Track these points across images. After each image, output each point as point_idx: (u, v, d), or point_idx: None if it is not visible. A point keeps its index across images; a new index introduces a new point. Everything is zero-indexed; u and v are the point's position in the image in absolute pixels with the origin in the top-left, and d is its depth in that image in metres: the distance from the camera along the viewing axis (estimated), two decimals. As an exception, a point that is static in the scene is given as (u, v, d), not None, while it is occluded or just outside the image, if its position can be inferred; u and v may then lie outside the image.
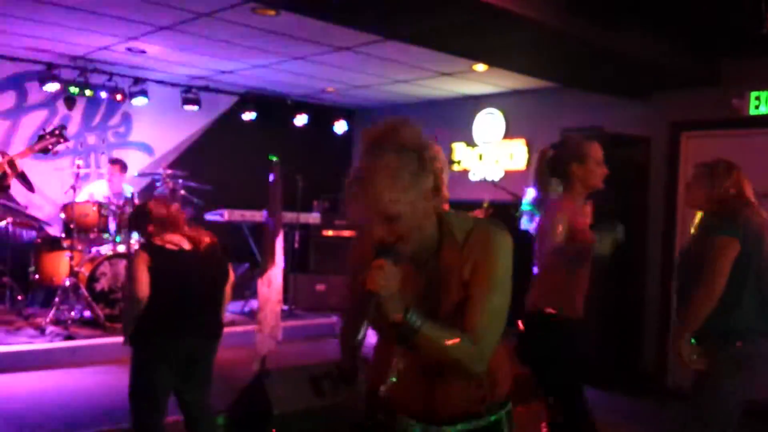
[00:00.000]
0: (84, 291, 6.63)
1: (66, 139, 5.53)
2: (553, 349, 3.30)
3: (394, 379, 1.89)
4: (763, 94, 6.02)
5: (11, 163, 5.85)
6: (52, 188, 7.99)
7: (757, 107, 6.06)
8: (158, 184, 7.87)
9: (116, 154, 8.46)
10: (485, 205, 6.69)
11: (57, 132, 5.04)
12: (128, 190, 7.81)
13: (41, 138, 4.74)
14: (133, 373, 3.65)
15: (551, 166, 3.42)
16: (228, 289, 3.85)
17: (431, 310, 1.79)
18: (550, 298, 3.30)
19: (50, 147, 4.72)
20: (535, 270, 3.43)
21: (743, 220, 3.27)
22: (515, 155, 8.40)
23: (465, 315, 1.77)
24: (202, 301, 3.67)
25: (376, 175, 1.70)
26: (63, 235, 7.12)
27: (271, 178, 5.34)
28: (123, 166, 7.89)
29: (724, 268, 3.24)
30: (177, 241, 3.65)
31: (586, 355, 6.13)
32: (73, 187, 7.04)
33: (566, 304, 3.31)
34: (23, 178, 6.52)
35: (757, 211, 3.34)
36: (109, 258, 6.88)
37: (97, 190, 7.70)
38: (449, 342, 1.72)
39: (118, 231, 7.11)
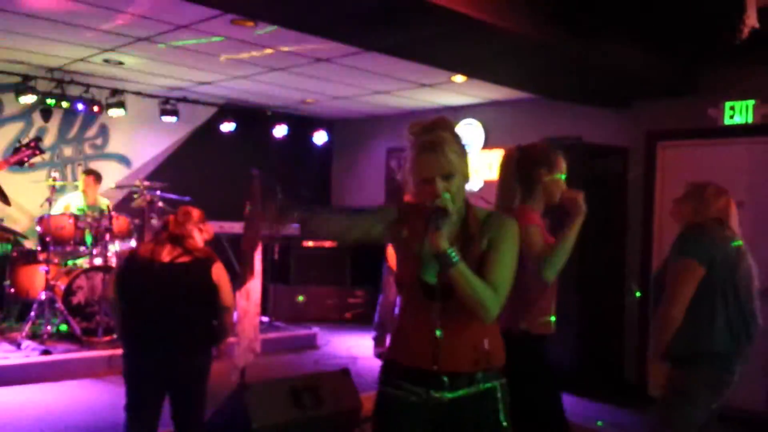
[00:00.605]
0: (60, 305, 6.54)
1: (42, 151, 5.48)
2: (526, 367, 3.25)
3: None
4: (737, 104, 6.10)
5: None
6: (28, 200, 7.90)
7: (731, 117, 6.14)
8: (136, 196, 7.79)
9: (93, 165, 8.37)
10: None
11: (32, 144, 4.98)
12: (104, 202, 7.72)
13: (16, 150, 4.68)
14: (125, 383, 3.66)
15: (517, 169, 3.18)
16: (222, 314, 3.74)
17: None
18: (521, 315, 3.17)
19: (26, 159, 4.66)
20: None
21: (713, 243, 3.25)
22: (494, 165, 8.41)
23: (486, 272, 2.22)
24: (170, 312, 3.57)
25: (444, 142, 2.26)
26: (39, 248, 7.03)
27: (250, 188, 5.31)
28: (97, 177, 7.80)
29: (682, 293, 3.22)
30: (155, 252, 3.62)
31: (559, 370, 6.21)
32: (49, 200, 6.97)
33: (537, 321, 3.22)
34: (-2, 191, 6.44)
35: (733, 237, 3.33)
36: (85, 271, 6.80)
37: (72, 202, 7.61)
38: (478, 281, 2.17)
39: (95, 244, 7.03)
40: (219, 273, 3.73)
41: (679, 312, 3.20)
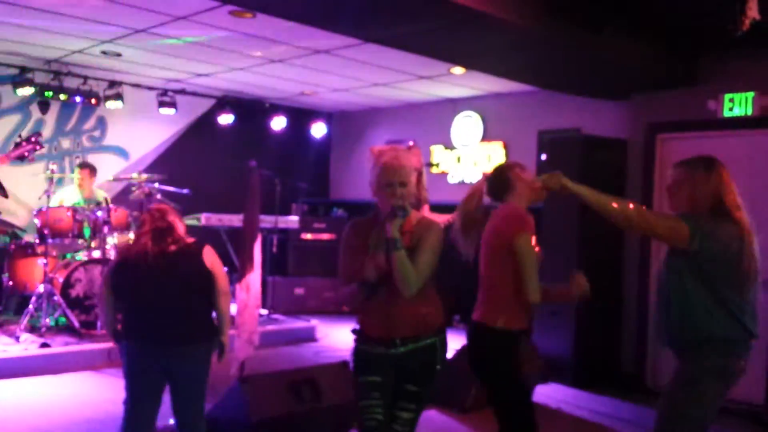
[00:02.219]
0: (59, 297, 6.53)
1: (41, 146, 5.48)
2: (501, 362, 3.33)
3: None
4: (737, 96, 6.09)
5: None
6: (26, 193, 7.89)
7: (731, 109, 6.12)
8: (134, 188, 7.78)
9: (91, 158, 8.36)
10: None
11: (33, 139, 4.97)
12: (101, 194, 7.70)
13: (17, 145, 4.67)
14: (123, 375, 3.65)
15: (490, 187, 3.53)
16: (219, 298, 3.72)
17: None
18: (498, 310, 3.32)
19: (27, 154, 4.65)
20: (481, 279, 3.46)
21: (709, 226, 3.22)
22: (493, 157, 8.43)
23: (413, 260, 2.98)
24: (167, 303, 3.57)
25: (403, 158, 3.09)
26: (37, 241, 7.02)
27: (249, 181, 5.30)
28: (92, 170, 7.76)
29: (663, 221, 3.30)
30: (144, 246, 3.61)
31: (557, 362, 6.22)
32: (47, 193, 6.95)
33: (513, 316, 3.32)
34: (-4, 184, 6.43)
35: (736, 219, 3.28)
36: (84, 264, 6.79)
37: (67, 196, 7.57)
38: (407, 262, 2.94)
39: (93, 236, 7.01)
40: (211, 257, 3.70)
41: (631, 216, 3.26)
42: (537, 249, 3.37)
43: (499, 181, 3.50)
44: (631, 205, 3.27)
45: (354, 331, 3.19)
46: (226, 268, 7.86)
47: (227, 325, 3.82)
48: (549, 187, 3.34)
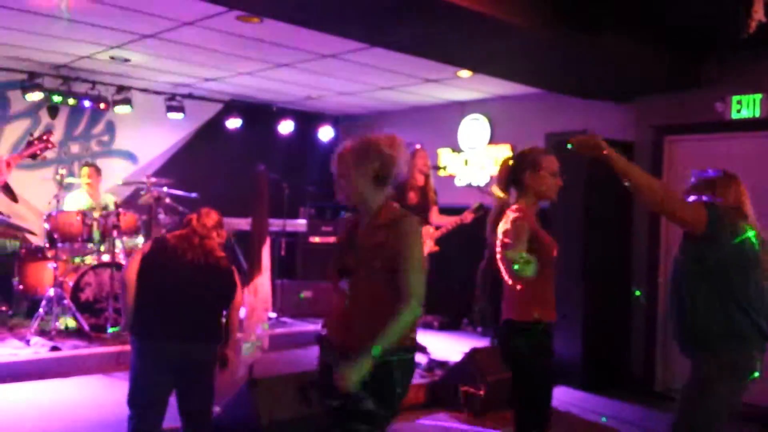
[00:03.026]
0: (69, 301, 6.57)
1: (53, 144, 5.54)
2: (528, 356, 3.33)
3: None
4: (744, 98, 6.08)
5: None
6: (36, 198, 7.93)
7: (738, 111, 6.12)
8: (143, 192, 7.81)
9: (100, 162, 8.39)
10: (476, 205, 6.71)
11: (45, 137, 5.03)
12: (109, 199, 7.74)
13: (30, 144, 4.71)
14: (129, 378, 3.69)
15: (509, 174, 3.50)
16: (233, 307, 3.86)
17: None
18: (523, 305, 3.31)
19: (38, 152, 4.70)
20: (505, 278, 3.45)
21: (729, 218, 3.25)
22: (500, 160, 8.41)
23: (398, 279, 2.68)
24: (191, 304, 3.63)
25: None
26: (47, 245, 7.06)
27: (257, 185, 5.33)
28: (97, 169, 7.80)
29: (685, 204, 3.29)
30: (182, 243, 3.69)
31: (565, 365, 6.19)
32: (57, 197, 6.99)
33: (539, 310, 3.32)
34: (6, 188, 6.46)
35: (752, 224, 3.33)
36: (93, 267, 6.83)
37: (76, 201, 7.58)
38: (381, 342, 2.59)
39: (102, 240, 7.05)
40: (236, 273, 3.89)
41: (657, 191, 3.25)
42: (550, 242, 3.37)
43: (510, 180, 3.50)
44: (659, 184, 3.29)
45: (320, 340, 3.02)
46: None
47: (234, 337, 3.95)
48: (583, 149, 3.29)
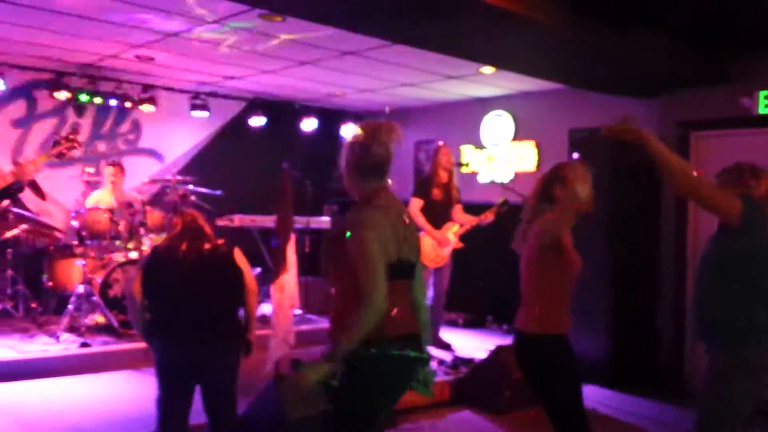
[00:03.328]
0: (97, 298, 6.66)
1: (80, 144, 5.66)
2: (547, 368, 3.33)
3: None
4: (772, 93, 6.02)
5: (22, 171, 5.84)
6: (64, 196, 8.05)
7: (766, 106, 6.05)
8: (168, 190, 7.90)
9: (126, 161, 8.50)
10: (500, 201, 6.71)
11: (71, 137, 5.12)
12: (132, 194, 7.83)
13: (56, 144, 4.79)
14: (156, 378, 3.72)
15: (542, 189, 3.45)
16: (248, 296, 3.81)
17: None
18: (538, 317, 3.32)
19: (65, 152, 4.78)
20: (522, 287, 3.45)
21: (763, 212, 3.23)
22: (524, 157, 8.40)
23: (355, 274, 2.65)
24: (201, 306, 3.63)
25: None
26: (75, 242, 7.17)
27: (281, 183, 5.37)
28: (121, 168, 7.90)
29: (720, 192, 3.25)
30: (176, 247, 3.68)
31: (592, 362, 6.16)
32: (84, 195, 7.08)
33: (553, 322, 3.33)
34: (34, 187, 6.56)
35: None
36: (121, 264, 6.92)
37: (101, 199, 7.67)
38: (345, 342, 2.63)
39: (130, 237, 7.14)
40: (240, 256, 3.80)
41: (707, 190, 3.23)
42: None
43: (545, 193, 3.46)
44: (695, 172, 3.26)
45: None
46: (259, 269, 7.99)
47: (254, 322, 3.91)
48: (617, 133, 3.21)
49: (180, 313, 3.63)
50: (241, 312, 3.85)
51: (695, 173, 3.23)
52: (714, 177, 3.53)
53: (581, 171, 3.36)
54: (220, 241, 3.81)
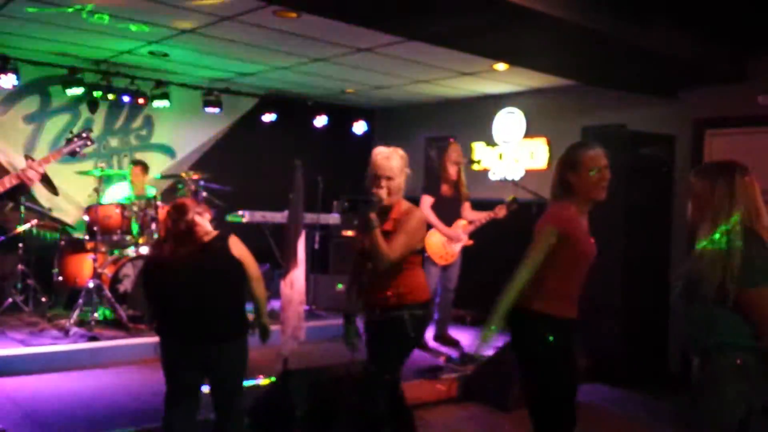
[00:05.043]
0: (107, 292, 6.68)
1: (92, 141, 5.65)
2: (540, 347, 3.26)
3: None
4: (789, 92, 5.96)
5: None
6: (76, 191, 8.08)
7: (783, 104, 5.99)
8: (180, 186, 7.91)
9: (138, 156, 8.54)
10: (509, 199, 6.69)
11: (84, 135, 5.11)
12: (151, 191, 7.87)
13: (69, 141, 4.80)
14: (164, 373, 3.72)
15: (557, 177, 3.38)
16: (253, 284, 3.73)
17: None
18: (536, 295, 3.24)
19: (78, 149, 4.77)
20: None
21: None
22: (536, 154, 8.36)
23: (391, 238, 3.58)
24: (204, 303, 3.57)
25: (392, 158, 3.81)
26: (86, 237, 7.19)
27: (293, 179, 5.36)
28: (144, 168, 7.98)
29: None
30: (168, 251, 3.62)
31: (603, 361, 6.11)
32: (96, 190, 7.10)
33: (555, 304, 3.25)
34: (47, 181, 6.58)
35: None
36: (132, 260, 6.94)
37: (119, 191, 7.77)
38: (379, 239, 3.52)
39: (141, 233, 7.16)
40: (238, 246, 3.66)
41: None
42: (591, 241, 3.32)
43: (558, 185, 3.38)
44: None
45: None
46: (268, 265, 7.98)
47: (265, 307, 3.86)
48: None
49: (181, 315, 3.60)
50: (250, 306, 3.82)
51: None
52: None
53: (592, 154, 3.28)
54: (214, 234, 3.67)
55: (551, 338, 3.25)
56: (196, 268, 3.58)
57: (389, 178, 3.68)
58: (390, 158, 3.72)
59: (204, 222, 3.69)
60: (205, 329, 3.58)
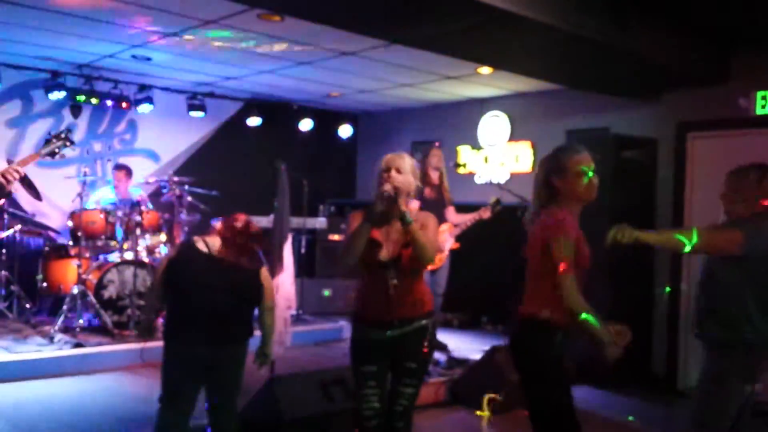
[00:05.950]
0: (92, 298, 6.64)
1: (72, 142, 5.63)
2: (542, 355, 3.25)
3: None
4: (769, 94, 6.01)
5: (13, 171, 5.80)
6: (59, 196, 8.01)
7: (763, 107, 6.04)
8: (164, 190, 7.87)
9: (122, 161, 8.48)
10: (493, 200, 6.71)
11: (63, 135, 5.06)
12: (137, 193, 7.82)
13: (48, 142, 4.74)
14: (161, 372, 3.72)
15: (540, 179, 3.28)
16: (266, 314, 3.84)
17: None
18: (541, 303, 3.21)
19: (57, 150, 4.71)
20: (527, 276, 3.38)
21: (755, 225, 3.23)
22: (521, 157, 8.40)
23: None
24: (217, 309, 3.62)
25: (400, 158, 3.49)
26: (70, 243, 7.13)
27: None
28: (128, 172, 7.91)
29: (719, 235, 3.34)
30: (212, 249, 3.70)
31: (586, 364, 6.12)
32: (80, 195, 7.06)
33: (555, 310, 3.23)
34: (30, 186, 6.52)
35: None
36: (116, 265, 6.89)
37: (103, 196, 7.72)
38: (422, 234, 3.30)
39: (125, 238, 7.11)
40: (265, 275, 3.87)
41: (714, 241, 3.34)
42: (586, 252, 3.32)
43: (543, 189, 3.28)
44: (693, 232, 3.26)
45: (353, 316, 3.50)
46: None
47: (271, 337, 3.96)
48: (620, 241, 3.23)
49: (196, 314, 3.62)
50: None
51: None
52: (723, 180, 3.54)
53: (577, 157, 3.20)
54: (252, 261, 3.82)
55: (560, 346, 3.25)
56: (223, 273, 3.66)
57: (398, 171, 3.39)
58: (401, 156, 3.52)
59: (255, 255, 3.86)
60: (217, 333, 3.63)
